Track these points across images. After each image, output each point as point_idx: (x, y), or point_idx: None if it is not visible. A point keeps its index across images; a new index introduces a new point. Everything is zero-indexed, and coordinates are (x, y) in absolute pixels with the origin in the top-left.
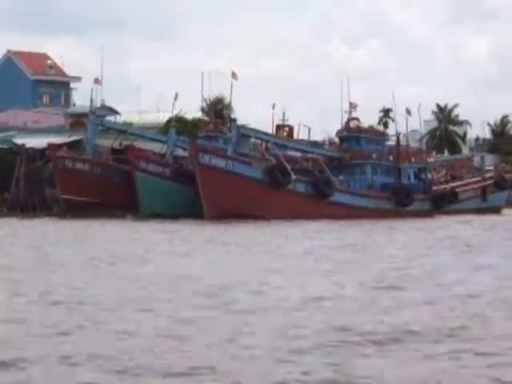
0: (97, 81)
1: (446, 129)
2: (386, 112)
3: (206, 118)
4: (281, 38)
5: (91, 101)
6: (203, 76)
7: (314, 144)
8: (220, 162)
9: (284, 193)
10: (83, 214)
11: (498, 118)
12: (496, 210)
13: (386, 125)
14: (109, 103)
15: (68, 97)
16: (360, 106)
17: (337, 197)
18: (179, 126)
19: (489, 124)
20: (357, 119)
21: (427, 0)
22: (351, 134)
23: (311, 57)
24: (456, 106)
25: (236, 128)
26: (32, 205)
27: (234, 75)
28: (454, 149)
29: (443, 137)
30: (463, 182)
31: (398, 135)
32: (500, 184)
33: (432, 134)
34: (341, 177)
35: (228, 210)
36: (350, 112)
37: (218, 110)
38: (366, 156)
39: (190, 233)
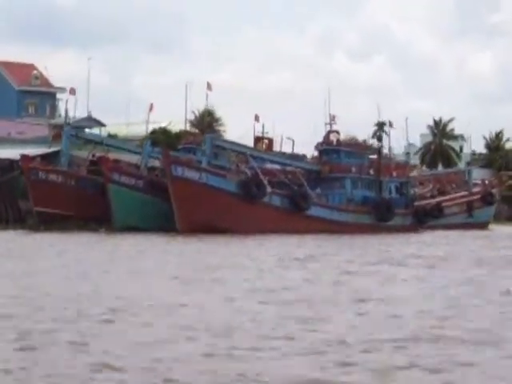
0: (72, 91)
1: (440, 143)
2: (381, 126)
3: (195, 131)
4: (284, 52)
5: (66, 112)
6: (187, 88)
7: (294, 157)
8: (193, 175)
9: (259, 206)
10: (57, 226)
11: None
12: (483, 226)
13: (379, 138)
14: (106, 115)
15: (54, 108)
16: (363, 120)
17: (314, 211)
18: (163, 138)
19: (484, 138)
20: (337, 132)
21: (431, 15)
22: (330, 147)
23: (314, 71)
24: (451, 120)
25: (210, 140)
26: (6, 217)
27: (208, 86)
28: (449, 163)
29: (437, 151)
30: (449, 197)
31: (379, 148)
32: (487, 199)
33: (427, 147)
34: (318, 190)
35: (201, 223)
36: (330, 124)
37: (206, 122)
38: (345, 169)
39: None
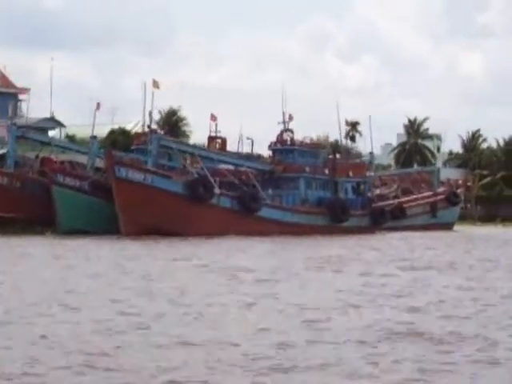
0: (24, 91)
1: (415, 143)
2: (354, 125)
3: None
4: (274, 52)
5: (14, 113)
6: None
7: (248, 157)
8: (137, 176)
9: (207, 208)
10: (2, 230)
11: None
12: (447, 227)
13: (353, 138)
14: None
15: (16, 108)
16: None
17: (265, 212)
18: (122, 138)
19: (460, 137)
20: (291, 131)
21: (422, 16)
22: (284, 147)
23: (305, 71)
24: (426, 119)
25: (156, 140)
26: None
27: (155, 83)
28: (424, 163)
29: (412, 151)
30: (411, 198)
31: (334, 148)
32: (451, 199)
33: (402, 147)
34: (270, 191)
35: (146, 226)
36: (283, 123)
37: (172, 122)
38: (298, 169)
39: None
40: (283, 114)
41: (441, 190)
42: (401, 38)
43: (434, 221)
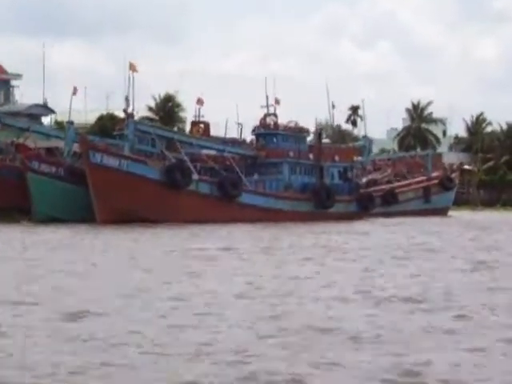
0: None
1: (418, 127)
2: (355, 110)
3: (155, 117)
4: (289, 40)
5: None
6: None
7: (233, 142)
8: (112, 162)
9: (185, 194)
10: None
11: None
12: (441, 212)
13: (354, 123)
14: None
15: (8, 95)
16: (368, 106)
17: (246, 198)
18: (110, 124)
19: (464, 121)
20: (274, 115)
21: (436, 2)
22: (267, 131)
23: (320, 58)
24: (429, 103)
25: (133, 125)
26: None
27: (132, 67)
28: (427, 147)
29: (416, 135)
30: (404, 183)
31: (318, 130)
32: (445, 184)
33: (406, 132)
34: (256, 176)
35: (122, 213)
36: (267, 107)
37: (168, 108)
38: (282, 154)
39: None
40: (266, 97)
41: (435, 174)
42: (415, 24)
43: (428, 206)
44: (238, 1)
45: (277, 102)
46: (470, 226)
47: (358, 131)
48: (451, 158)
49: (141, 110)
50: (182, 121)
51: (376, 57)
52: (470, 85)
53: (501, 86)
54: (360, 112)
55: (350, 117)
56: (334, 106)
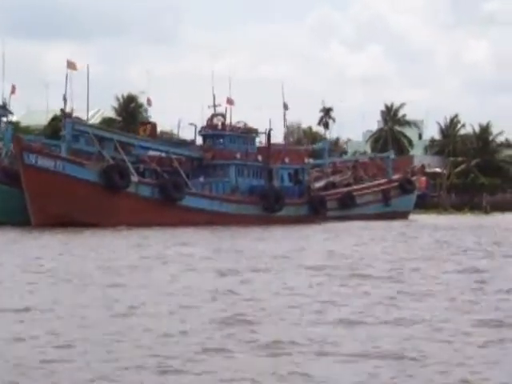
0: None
1: (391, 129)
2: (327, 111)
3: (117, 118)
4: (281, 42)
5: None
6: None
7: (180, 144)
8: (47, 163)
9: (123, 197)
10: None
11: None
12: (402, 215)
13: (326, 125)
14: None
15: None
16: (359, 109)
17: (189, 201)
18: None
19: (438, 124)
20: (222, 115)
21: (427, 5)
22: (214, 132)
23: (311, 61)
24: (402, 105)
25: (70, 125)
26: None
27: (70, 65)
28: (401, 150)
29: (388, 137)
30: (362, 186)
31: (268, 131)
32: (405, 187)
33: (379, 134)
34: (202, 179)
35: (58, 216)
36: (214, 107)
37: (130, 109)
38: (228, 156)
39: None
40: (213, 97)
41: (395, 177)
42: (406, 27)
43: (387, 209)
44: (230, 3)
45: (230, 102)
46: (408, 230)
47: (335, 133)
48: (423, 162)
49: (105, 111)
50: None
51: (367, 60)
52: (461, 87)
53: (492, 89)
54: (333, 114)
55: (321, 119)
56: (286, 107)
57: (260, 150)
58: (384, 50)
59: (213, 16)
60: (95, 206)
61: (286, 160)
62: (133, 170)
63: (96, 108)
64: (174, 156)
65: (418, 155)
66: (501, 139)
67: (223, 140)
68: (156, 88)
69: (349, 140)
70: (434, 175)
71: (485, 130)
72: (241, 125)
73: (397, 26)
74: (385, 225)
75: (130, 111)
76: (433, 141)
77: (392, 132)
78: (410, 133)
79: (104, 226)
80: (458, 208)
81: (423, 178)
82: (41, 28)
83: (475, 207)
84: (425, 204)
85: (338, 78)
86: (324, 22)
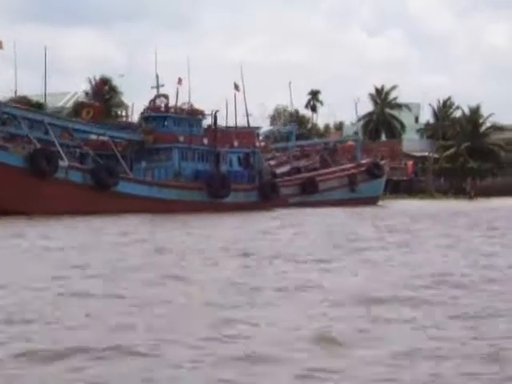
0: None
1: (382, 112)
2: (315, 94)
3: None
4: (299, 26)
5: None
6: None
7: (124, 127)
8: None
9: (51, 183)
10: None
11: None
12: (370, 201)
13: (314, 108)
14: None
15: None
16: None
17: (124, 187)
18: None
19: (431, 106)
20: (165, 96)
21: None
22: (157, 114)
23: (330, 45)
24: (394, 88)
25: None
26: None
27: None
28: (392, 133)
29: (379, 121)
30: (326, 171)
31: (214, 113)
32: (373, 172)
33: (369, 118)
34: (143, 164)
35: None
36: (157, 88)
37: (104, 91)
38: (171, 139)
39: None
40: (157, 77)
41: (364, 161)
42: (426, 11)
43: (354, 195)
44: None
45: (179, 81)
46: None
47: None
48: (414, 146)
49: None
50: (120, 105)
51: (386, 44)
52: (481, 71)
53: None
54: (320, 97)
55: (309, 102)
56: (237, 88)
57: (207, 132)
58: (403, 34)
59: (229, 1)
60: (20, 194)
61: (235, 143)
62: (63, 155)
63: (72, 91)
64: (117, 140)
65: (410, 139)
66: (492, 121)
67: (166, 122)
68: (173, 73)
69: (341, 123)
70: (424, 159)
71: (475, 112)
72: (186, 106)
73: (416, 9)
74: (337, 212)
75: (103, 94)
76: (427, 124)
77: (383, 115)
78: (407, 116)
79: (30, 214)
80: (445, 193)
81: (410, 162)
82: (56, 14)
83: (462, 192)
84: (412, 189)
85: (358, 61)
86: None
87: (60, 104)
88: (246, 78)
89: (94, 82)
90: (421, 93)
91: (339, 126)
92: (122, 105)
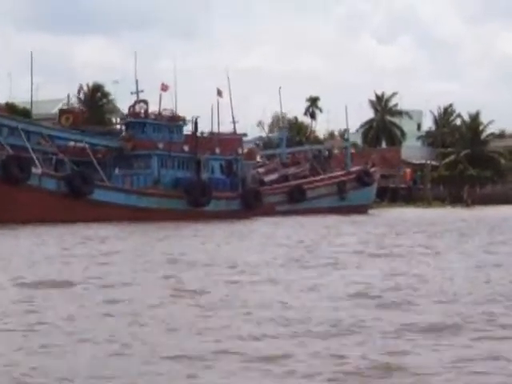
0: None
1: (382, 120)
2: (314, 101)
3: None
4: (310, 35)
5: None
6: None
7: (105, 133)
8: None
9: (23, 191)
10: None
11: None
12: (360, 209)
13: (313, 115)
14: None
15: None
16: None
17: (100, 195)
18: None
19: (431, 112)
20: (144, 102)
21: None
22: (136, 120)
23: (341, 53)
24: (394, 94)
25: None
26: None
27: None
28: (393, 140)
29: (379, 128)
30: (315, 178)
31: (195, 119)
32: (363, 179)
33: (369, 125)
34: (120, 171)
35: None
36: (137, 93)
37: (96, 98)
38: (150, 146)
39: None
40: (136, 82)
41: (354, 169)
42: (437, 19)
43: (343, 203)
44: None
45: (164, 88)
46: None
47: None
48: (414, 153)
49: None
50: (112, 111)
51: (397, 51)
52: (491, 79)
53: None
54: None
55: (308, 108)
56: (220, 94)
57: (187, 139)
58: (413, 40)
59: (240, 9)
60: None
61: (217, 150)
62: (37, 162)
63: (65, 98)
64: (97, 147)
65: (409, 146)
66: (492, 129)
67: (145, 129)
68: (183, 81)
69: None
70: (423, 167)
71: (475, 119)
72: (167, 112)
73: (427, 16)
74: (322, 221)
75: (96, 101)
76: (428, 132)
77: (383, 122)
78: (408, 123)
79: (3, 222)
80: (443, 201)
81: (408, 170)
82: (67, 24)
83: (459, 200)
84: (411, 196)
85: (368, 69)
86: (353, 13)
87: (54, 111)
88: (259, 85)
89: (83, 89)
90: (424, 100)
91: (343, 133)
92: (114, 111)
